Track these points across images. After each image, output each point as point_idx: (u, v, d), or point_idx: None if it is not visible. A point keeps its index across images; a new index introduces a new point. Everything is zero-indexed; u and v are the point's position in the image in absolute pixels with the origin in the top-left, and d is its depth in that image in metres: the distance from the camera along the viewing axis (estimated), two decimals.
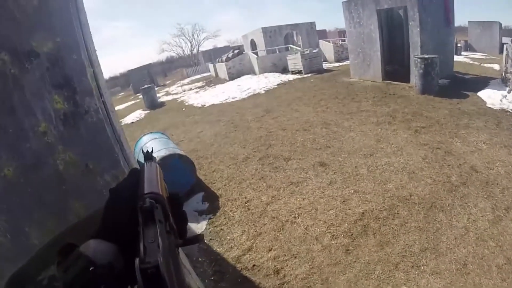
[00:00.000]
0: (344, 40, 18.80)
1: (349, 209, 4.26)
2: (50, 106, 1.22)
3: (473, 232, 3.53)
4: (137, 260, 0.39)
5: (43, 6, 1.20)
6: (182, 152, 5.61)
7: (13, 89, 1.19)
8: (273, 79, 15.87)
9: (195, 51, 48.65)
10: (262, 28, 21.55)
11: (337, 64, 18.79)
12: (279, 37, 21.87)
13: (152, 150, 0.80)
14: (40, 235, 1.23)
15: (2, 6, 1.16)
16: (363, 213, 4.14)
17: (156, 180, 0.62)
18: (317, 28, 24.07)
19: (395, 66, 11.96)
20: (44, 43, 1.21)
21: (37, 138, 1.22)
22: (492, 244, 3.32)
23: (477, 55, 18.14)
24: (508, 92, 8.18)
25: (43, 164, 1.24)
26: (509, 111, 7.16)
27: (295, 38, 24.09)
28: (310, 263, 3.45)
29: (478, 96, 8.35)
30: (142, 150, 0.69)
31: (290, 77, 16.05)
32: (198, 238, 0.60)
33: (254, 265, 3.58)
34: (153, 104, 16.93)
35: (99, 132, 1.32)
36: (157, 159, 4.91)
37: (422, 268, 3.16)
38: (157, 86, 26.71)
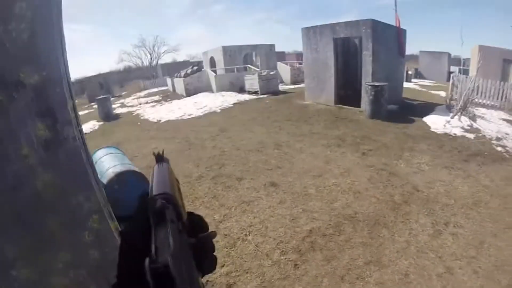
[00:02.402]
0: (301, 63, 19.47)
1: (298, 227, 4.53)
2: (33, 132, 1.36)
3: (414, 246, 3.92)
4: (147, 260, 0.38)
5: (33, 41, 1.35)
6: (137, 169, 5.59)
7: None
8: (230, 98, 16.15)
9: (154, 63, 47.91)
10: (222, 46, 21.79)
11: (292, 86, 19.58)
12: (239, 57, 22.22)
13: (163, 152, 0.80)
14: (16, 250, 1.33)
15: None
16: (310, 230, 4.42)
17: (170, 181, 0.63)
18: (276, 50, 24.68)
19: (348, 91, 12.55)
20: (31, 75, 1.35)
21: (19, 161, 1.35)
22: (432, 255, 3.71)
23: (426, 82, 19.81)
24: (452, 118, 9.07)
25: (24, 184, 1.36)
26: (452, 135, 7.99)
27: (254, 59, 24.62)
28: (261, 277, 3.64)
29: (424, 121, 9.20)
30: (153, 152, 0.78)
31: (246, 97, 16.45)
32: (211, 235, 0.59)
33: (208, 281, 3.67)
34: (107, 116, 16.44)
35: (75, 157, 1.46)
36: (113, 175, 4.90)
37: (366, 279, 3.45)
38: (112, 97, 25.86)
